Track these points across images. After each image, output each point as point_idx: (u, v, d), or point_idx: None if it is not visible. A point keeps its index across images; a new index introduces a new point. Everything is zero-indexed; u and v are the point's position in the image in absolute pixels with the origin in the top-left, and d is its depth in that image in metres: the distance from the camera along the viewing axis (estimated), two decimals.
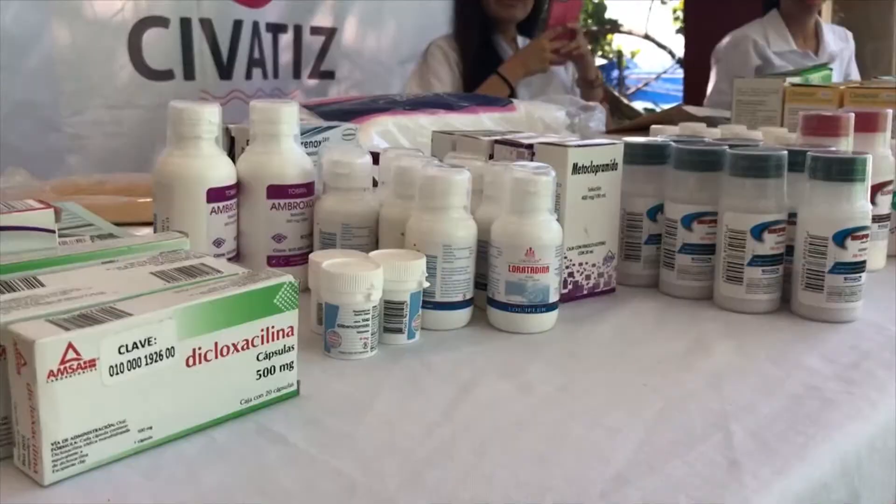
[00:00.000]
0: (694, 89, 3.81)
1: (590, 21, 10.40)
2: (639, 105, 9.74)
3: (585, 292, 0.79)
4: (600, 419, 0.54)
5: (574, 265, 0.77)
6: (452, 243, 0.68)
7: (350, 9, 2.78)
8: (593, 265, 0.79)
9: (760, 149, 0.76)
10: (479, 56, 2.21)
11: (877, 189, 0.86)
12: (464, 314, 0.70)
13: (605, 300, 0.79)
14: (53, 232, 0.57)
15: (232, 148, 0.82)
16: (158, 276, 0.52)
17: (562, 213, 0.75)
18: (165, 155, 0.72)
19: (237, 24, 2.44)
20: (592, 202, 0.77)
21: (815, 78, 1.21)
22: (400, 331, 0.65)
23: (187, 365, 0.48)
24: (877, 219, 0.87)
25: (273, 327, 0.52)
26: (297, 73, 2.69)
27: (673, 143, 0.80)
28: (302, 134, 0.87)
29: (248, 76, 2.50)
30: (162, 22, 2.21)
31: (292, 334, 0.54)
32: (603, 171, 0.77)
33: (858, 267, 0.72)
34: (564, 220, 0.75)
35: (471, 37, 2.23)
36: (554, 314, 0.70)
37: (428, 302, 0.68)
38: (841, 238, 0.71)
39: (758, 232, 0.73)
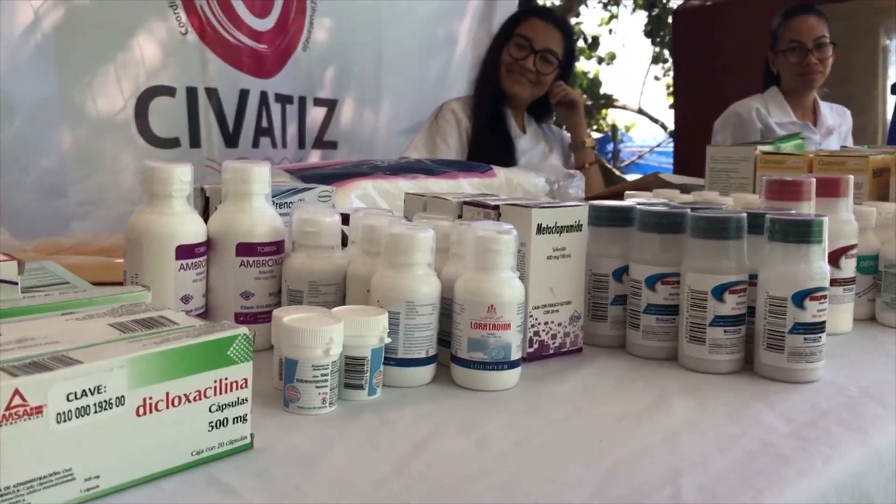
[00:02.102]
0: (684, 161, 3.89)
1: (585, 96, 10.65)
2: (632, 177, 9.90)
3: (552, 351, 0.80)
4: (552, 474, 0.54)
5: (540, 324, 0.78)
6: (415, 300, 0.68)
7: (350, 82, 2.87)
8: (559, 324, 0.80)
9: (721, 211, 0.78)
10: (490, 124, 2.27)
11: (841, 253, 0.88)
12: (427, 371, 0.70)
13: (572, 359, 0.80)
14: (16, 283, 0.58)
15: (206, 207, 0.84)
16: (115, 327, 0.53)
17: (527, 272, 0.76)
18: (137, 213, 0.74)
19: (244, 94, 2.50)
20: (558, 262, 0.78)
21: (787, 146, 1.24)
22: (360, 387, 0.66)
23: (137, 414, 0.49)
24: (842, 282, 0.88)
25: (226, 379, 0.53)
26: (302, 143, 2.75)
27: (637, 206, 0.82)
28: (278, 195, 0.90)
29: (256, 145, 2.54)
30: (168, 91, 2.27)
31: (246, 386, 0.54)
32: (568, 231, 0.79)
33: (818, 327, 0.72)
34: (530, 279, 0.76)
35: (484, 105, 2.29)
36: (516, 371, 0.71)
37: (391, 358, 0.68)
38: (799, 299, 0.72)
39: (719, 292, 0.74)
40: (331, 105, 2.84)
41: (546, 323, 0.79)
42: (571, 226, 0.79)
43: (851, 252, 0.88)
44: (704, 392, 0.70)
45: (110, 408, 0.47)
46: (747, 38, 3.25)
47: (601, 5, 10.01)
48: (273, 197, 0.88)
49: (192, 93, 2.36)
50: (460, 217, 0.83)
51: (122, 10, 2.13)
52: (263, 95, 2.58)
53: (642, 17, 9.02)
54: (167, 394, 0.50)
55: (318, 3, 2.73)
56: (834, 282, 0.88)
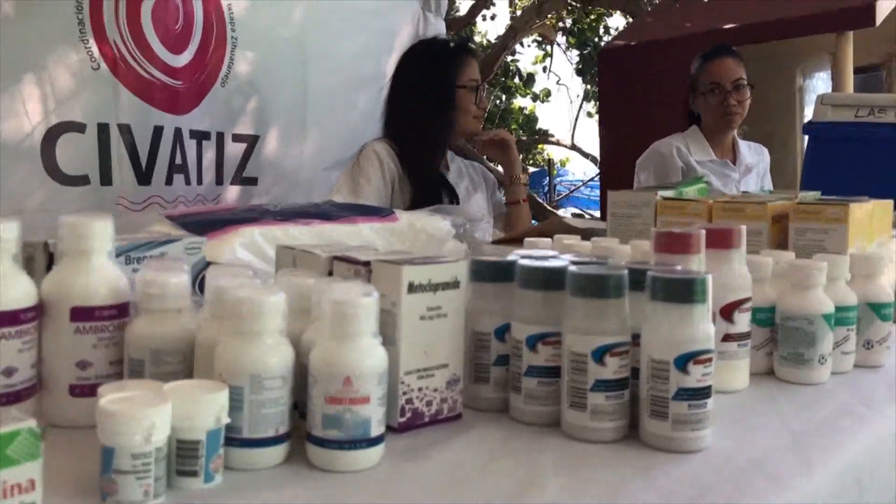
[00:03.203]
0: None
1: (521, 132, 10.77)
2: (567, 210, 10.00)
3: (427, 420, 0.73)
4: None
5: (413, 391, 0.72)
6: (262, 372, 0.62)
7: (273, 117, 2.79)
8: (435, 390, 0.74)
9: (601, 267, 0.73)
10: (429, 166, 2.24)
11: (734, 307, 0.84)
12: (276, 452, 0.63)
13: (449, 428, 0.73)
14: None
15: (51, 265, 0.76)
16: None
17: (397, 335, 0.70)
18: None
19: (157, 130, 2.41)
20: (432, 322, 0.73)
21: (690, 191, 1.22)
22: (195, 474, 0.58)
23: None
24: (736, 337, 0.84)
25: (5, 483, 0.45)
26: (219, 180, 2.66)
27: (518, 261, 0.77)
28: (135, 248, 0.82)
29: (169, 182, 2.44)
30: (78, 127, 2.16)
31: (33, 489, 0.46)
32: (443, 289, 0.73)
33: (703, 393, 0.68)
34: (400, 342, 0.70)
35: (423, 146, 2.24)
36: (377, 449, 0.64)
37: (234, 439, 0.61)
38: (682, 363, 0.67)
39: (599, 355, 0.69)
40: (251, 140, 2.77)
41: (420, 389, 0.73)
42: (447, 283, 0.74)
43: (745, 306, 0.85)
44: (583, 467, 0.65)
45: None
46: (670, 77, 3.30)
47: (536, 44, 10.18)
48: (129, 252, 0.81)
49: (103, 129, 2.26)
50: (330, 273, 0.77)
51: (29, 43, 2.03)
52: (178, 132, 2.48)
53: (574, 55, 9.19)
54: None
55: (238, 37, 2.66)
56: (728, 337, 0.84)
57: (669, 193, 1.16)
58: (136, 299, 0.70)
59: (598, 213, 6.11)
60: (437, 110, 2.27)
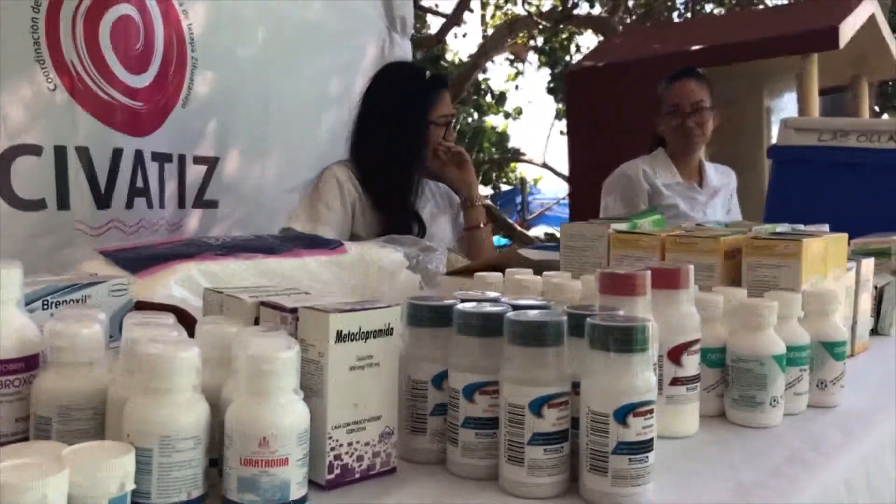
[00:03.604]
0: (580, 217, 3.91)
1: (494, 150, 10.79)
2: (540, 230, 10.02)
3: (358, 475, 0.70)
4: None
5: (342, 446, 0.68)
6: (173, 433, 0.58)
7: (234, 138, 2.75)
8: (367, 444, 0.70)
9: (540, 314, 0.70)
10: (398, 193, 2.20)
11: (682, 349, 0.81)
12: None
13: (381, 483, 0.70)
14: None
15: None
16: None
17: (324, 387, 0.67)
18: None
19: (117, 153, 2.35)
20: (363, 373, 0.69)
21: (644, 222, 1.20)
22: None
23: None
24: (684, 381, 0.82)
25: None
26: (181, 203, 2.61)
27: (456, 305, 0.74)
28: (55, 292, 0.78)
29: (130, 205, 2.39)
30: (34, 150, 2.11)
31: None
32: (375, 337, 0.70)
33: (644, 447, 0.65)
34: (328, 395, 0.67)
35: (391, 174, 2.20)
36: None
37: None
38: (622, 415, 0.64)
39: (537, 407, 0.66)
40: (211, 162, 2.72)
41: (350, 444, 0.69)
42: (380, 330, 0.70)
43: (694, 348, 0.82)
44: None
45: None
46: (637, 98, 3.30)
47: (508, 62, 10.22)
48: (48, 296, 0.77)
49: (60, 152, 2.21)
50: (257, 320, 0.74)
51: None
52: (139, 154, 2.43)
53: (546, 74, 9.23)
54: None
55: (199, 58, 2.62)
56: (676, 381, 0.82)
57: (623, 226, 1.14)
58: (44, 351, 0.66)
59: None
60: (407, 145, 2.23)
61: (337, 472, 0.68)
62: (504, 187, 11.78)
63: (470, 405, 0.71)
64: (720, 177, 2.94)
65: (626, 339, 0.65)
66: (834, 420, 0.88)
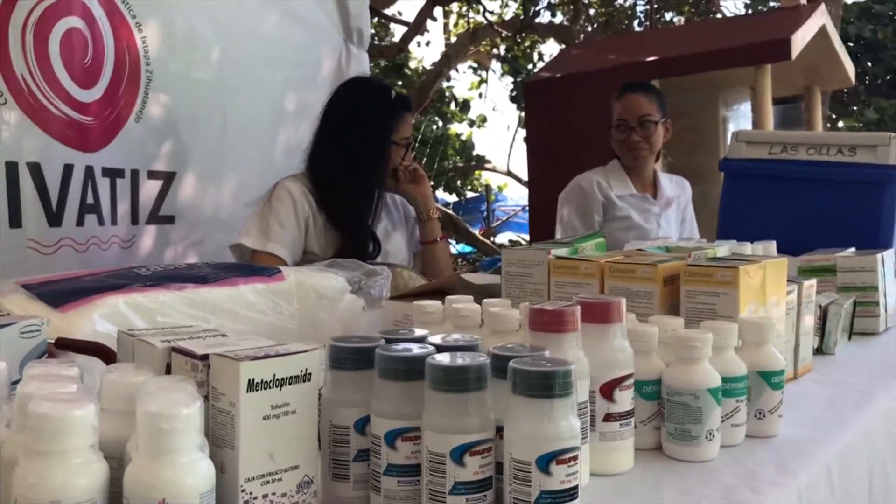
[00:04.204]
0: (539, 227, 3.91)
1: (458, 158, 10.80)
2: (505, 236, 10.03)
3: None
4: None
5: (256, 498, 0.65)
6: (64, 499, 0.54)
7: (190, 153, 2.70)
8: (283, 495, 0.67)
9: (461, 357, 0.68)
10: (357, 212, 2.18)
11: (614, 385, 0.80)
12: None
13: None
14: None
15: None
16: None
17: (236, 439, 0.64)
18: None
19: (68, 169, 2.30)
20: (279, 422, 0.66)
21: (587, 246, 1.18)
22: None
23: None
24: (616, 417, 0.80)
25: None
26: (135, 220, 2.56)
27: (378, 348, 0.71)
28: None
29: (80, 223, 2.34)
30: None
31: None
32: (291, 384, 0.67)
33: (567, 495, 0.63)
34: (240, 447, 0.64)
35: (348, 193, 2.17)
36: None
37: None
38: (545, 463, 0.62)
39: (458, 455, 0.64)
40: (167, 178, 2.67)
41: (265, 496, 0.66)
42: (296, 376, 0.67)
43: (626, 383, 0.80)
44: None
45: None
46: (593, 109, 3.31)
47: (471, 70, 10.24)
48: None
49: (11, 168, 2.15)
50: (169, 367, 0.70)
51: None
52: (89, 170, 2.38)
53: (509, 82, 9.26)
54: None
55: (154, 72, 2.57)
56: (608, 417, 0.80)
57: (563, 252, 1.12)
58: None
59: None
60: (368, 164, 2.20)
61: None
62: (469, 194, 11.79)
63: (392, 452, 0.68)
64: (674, 188, 2.96)
65: (547, 385, 0.63)
66: (770, 453, 0.86)
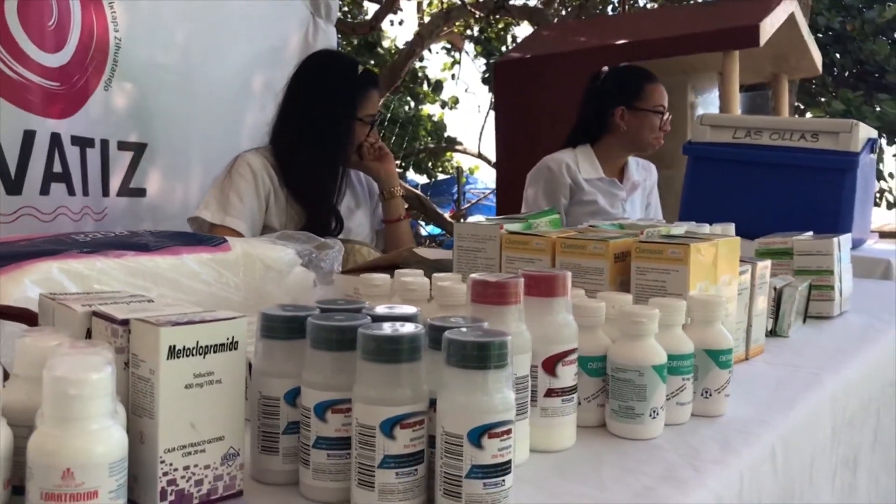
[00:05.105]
0: (506, 207, 3.89)
1: (430, 139, 10.73)
2: (476, 219, 10.02)
3: (197, 501, 0.64)
4: None
5: (177, 470, 0.62)
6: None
7: (161, 124, 2.64)
8: (206, 466, 0.64)
9: (395, 327, 0.65)
10: (322, 187, 2.13)
11: (557, 359, 0.78)
12: None
13: None
14: None
15: None
16: None
17: (155, 407, 0.61)
18: None
19: (28, 135, 2.22)
20: (202, 391, 0.63)
21: (542, 222, 1.16)
22: None
23: None
24: (559, 392, 0.78)
25: None
26: (106, 191, 2.49)
27: (310, 316, 0.68)
28: None
29: (45, 191, 2.26)
30: None
31: None
32: (216, 352, 0.64)
33: (500, 470, 0.61)
34: (159, 416, 0.61)
35: (315, 169, 2.13)
36: None
37: None
38: (476, 436, 0.60)
39: (388, 427, 0.61)
40: (138, 149, 2.60)
41: (186, 468, 0.63)
42: (222, 344, 0.64)
43: (570, 358, 0.79)
44: None
45: None
46: (563, 90, 3.29)
47: (444, 51, 10.17)
48: None
49: None
50: (89, 332, 0.67)
51: None
52: (55, 137, 2.30)
53: (482, 64, 9.21)
54: None
55: (123, 38, 2.49)
56: (550, 392, 0.78)
57: (516, 227, 1.10)
58: None
59: None
60: (333, 140, 2.16)
61: (171, 498, 0.62)
62: (441, 176, 11.74)
63: (321, 424, 0.66)
64: (641, 172, 2.96)
65: (481, 356, 0.61)
66: (715, 431, 0.85)
